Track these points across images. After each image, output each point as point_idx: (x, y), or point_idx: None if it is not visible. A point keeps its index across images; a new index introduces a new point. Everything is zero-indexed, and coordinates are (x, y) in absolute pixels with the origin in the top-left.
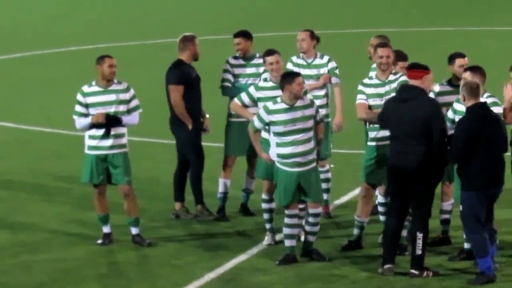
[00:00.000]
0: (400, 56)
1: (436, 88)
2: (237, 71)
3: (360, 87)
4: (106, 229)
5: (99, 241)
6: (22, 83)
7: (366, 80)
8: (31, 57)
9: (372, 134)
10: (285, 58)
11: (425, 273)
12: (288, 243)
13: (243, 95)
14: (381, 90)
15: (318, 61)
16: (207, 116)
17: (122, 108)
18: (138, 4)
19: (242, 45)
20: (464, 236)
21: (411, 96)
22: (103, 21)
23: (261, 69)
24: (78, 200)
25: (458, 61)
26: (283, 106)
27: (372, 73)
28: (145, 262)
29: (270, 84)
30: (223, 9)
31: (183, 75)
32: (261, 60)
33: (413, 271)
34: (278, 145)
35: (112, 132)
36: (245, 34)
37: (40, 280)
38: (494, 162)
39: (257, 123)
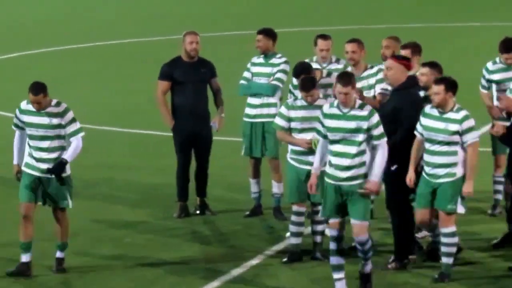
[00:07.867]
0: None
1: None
2: (255, 69)
3: None
4: None
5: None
6: (34, 80)
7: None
8: (43, 53)
9: None
10: (300, 55)
11: None
12: (293, 240)
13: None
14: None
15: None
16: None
17: (53, 132)
18: (155, 1)
19: (262, 43)
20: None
21: None
22: (120, 17)
23: (275, 69)
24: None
25: None
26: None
27: None
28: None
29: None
30: (246, 6)
31: None
32: (279, 60)
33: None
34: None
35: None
36: (267, 32)
37: (66, 276)
38: None
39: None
